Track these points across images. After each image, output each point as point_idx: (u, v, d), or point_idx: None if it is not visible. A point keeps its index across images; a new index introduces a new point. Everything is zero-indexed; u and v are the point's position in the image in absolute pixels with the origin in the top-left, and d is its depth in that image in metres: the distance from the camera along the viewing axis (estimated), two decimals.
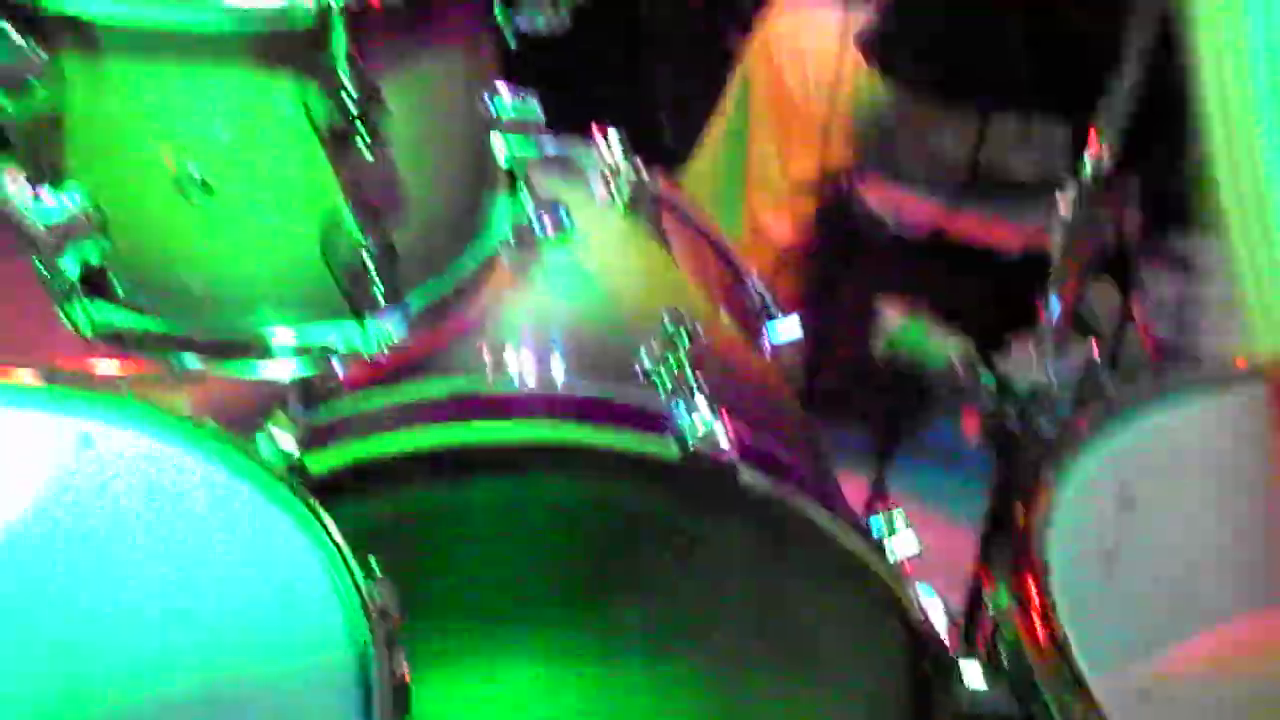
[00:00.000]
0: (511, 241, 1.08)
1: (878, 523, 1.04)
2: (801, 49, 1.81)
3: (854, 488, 1.72)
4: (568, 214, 1.16)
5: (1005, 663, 0.63)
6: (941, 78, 1.60)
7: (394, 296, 0.83)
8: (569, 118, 1.35)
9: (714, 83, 2.03)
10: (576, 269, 1.11)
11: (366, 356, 0.86)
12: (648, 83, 2.30)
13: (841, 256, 1.73)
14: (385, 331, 0.85)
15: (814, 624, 0.99)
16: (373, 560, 0.66)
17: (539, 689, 1.01)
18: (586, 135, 1.34)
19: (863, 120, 1.67)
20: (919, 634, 0.94)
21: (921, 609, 0.94)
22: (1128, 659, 0.90)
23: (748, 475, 0.89)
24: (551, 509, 0.94)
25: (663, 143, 2.20)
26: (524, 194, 0.96)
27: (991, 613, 0.66)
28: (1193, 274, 2.23)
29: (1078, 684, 0.56)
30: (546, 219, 1.15)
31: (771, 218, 1.84)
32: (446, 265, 0.89)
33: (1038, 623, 0.60)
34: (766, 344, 1.32)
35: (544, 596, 0.99)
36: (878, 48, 1.66)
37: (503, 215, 0.95)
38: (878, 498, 1.67)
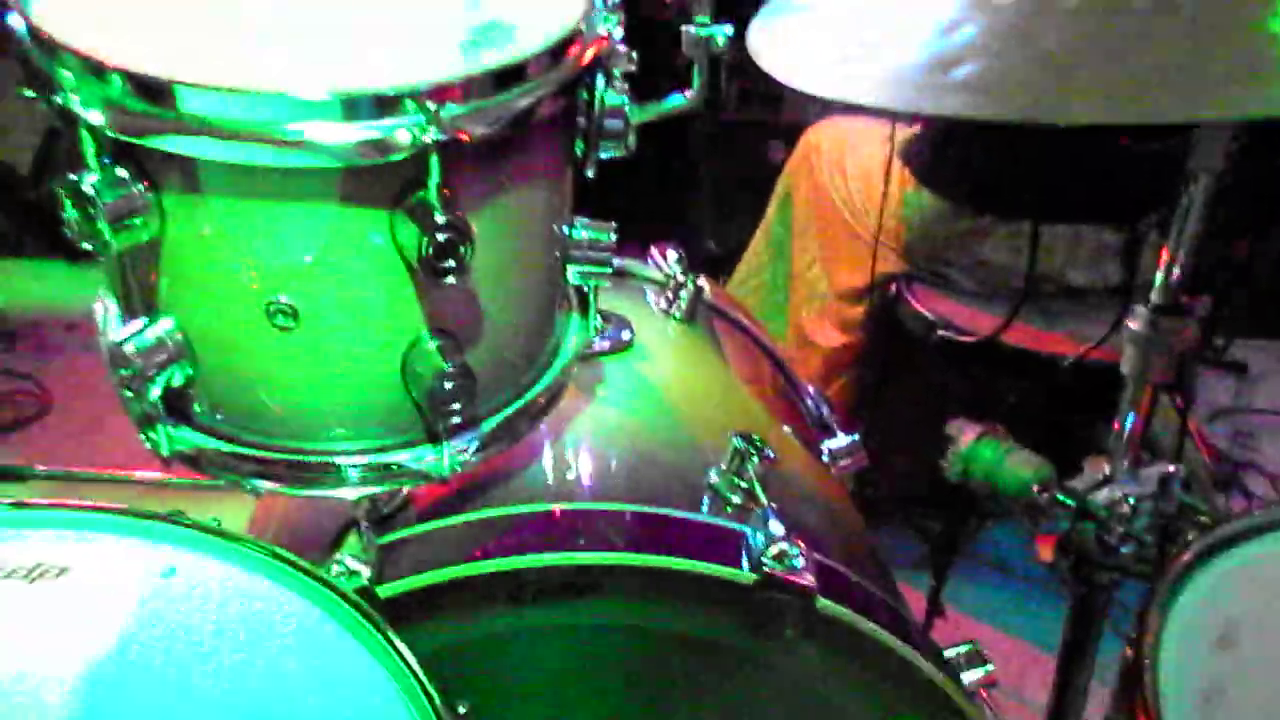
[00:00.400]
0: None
1: (954, 651, 1.01)
2: (844, 160, 1.84)
3: (909, 597, 1.69)
4: (630, 328, 1.17)
5: None
6: (989, 189, 1.62)
7: (470, 419, 0.83)
8: (620, 228, 1.37)
9: (757, 193, 2.06)
10: (639, 384, 1.11)
11: (438, 477, 0.86)
12: (693, 192, 2.35)
13: (890, 364, 1.73)
14: (458, 454, 0.84)
15: None
16: (458, 702, 0.65)
17: None
18: (641, 247, 1.35)
19: (910, 231, 1.68)
20: None
21: None
22: None
23: (824, 602, 0.87)
24: (621, 632, 0.92)
25: (706, 251, 2.23)
26: (594, 314, 0.97)
27: None
28: (1246, 379, 2.21)
29: None
30: (610, 333, 1.16)
31: (817, 326, 1.84)
32: (519, 386, 0.89)
33: None
34: (826, 457, 1.30)
35: (612, 718, 0.96)
36: (924, 160, 1.69)
37: (573, 335, 0.95)
38: (936, 612, 1.63)
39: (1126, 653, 0.66)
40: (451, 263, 0.72)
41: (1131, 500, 1.00)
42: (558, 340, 0.94)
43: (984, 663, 0.99)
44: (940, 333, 1.57)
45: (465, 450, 0.85)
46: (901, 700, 0.91)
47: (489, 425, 0.87)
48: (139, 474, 1.83)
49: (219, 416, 0.83)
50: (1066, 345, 1.55)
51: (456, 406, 0.80)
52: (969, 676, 0.98)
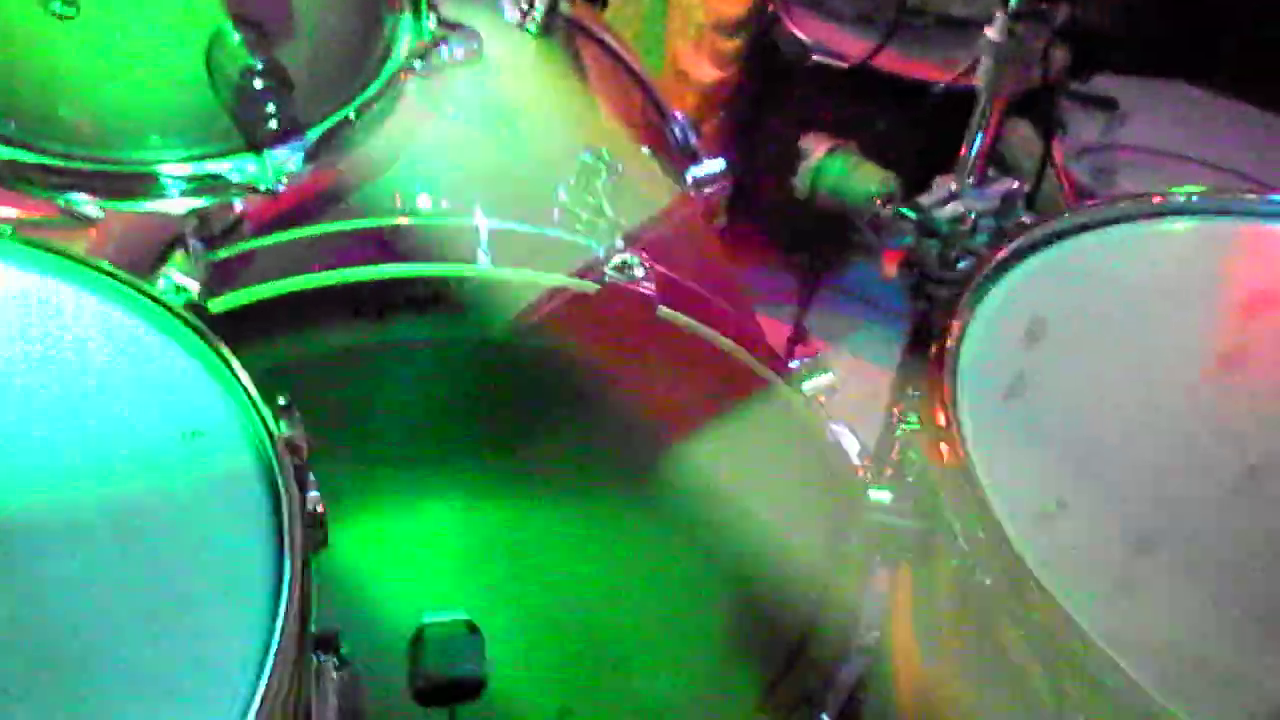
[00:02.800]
0: (418, 68, 1.03)
1: (797, 363, 1.05)
2: None
3: (775, 329, 1.74)
4: (478, 39, 1.10)
5: (912, 484, 0.64)
6: None
7: (290, 125, 0.78)
8: None
9: None
10: (489, 98, 1.06)
11: (265, 190, 0.82)
12: None
13: (766, 94, 1.69)
14: (282, 163, 0.80)
15: (732, 456, 1.00)
16: (280, 395, 0.64)
17: (460, 524, 1.02)
18: None
19: None
20: (832, 463, 0.96)
21: (835, 439, 0.96)
22: (1032, 482, 0.93)
23: (665, 310, 0.88)
24: (468, 345, 0.93)
25: None
26: (427, 16, 0.90)
27: (899, 435, 0.68)
28: (1114, 116, 2.24)
29: (979, 503, 0.58)
30: (456, 44, 1.09)
31: (693, 57, 1.77)
32: (345, 92, 0.84)
33: (943, 444, 0.61)
34: (690, 183, 1.29)
35: (464, 433, 0.98)
36: None
37: (405, 39, 0.89)
38: (798, 339, 1.69)
39: (932, 344, 0.68)
40: None
41: (973, 215, 1.02)
42: (387, 43, 0.88)
43: (824, 370, 1.04)
44: (815, 57, 1.53)
45: (290, 160, 0.81)
46: (743, 402, 0.95)
47: (315, 133, 0.82)
48: None
49: (12, 124, 0.77)
50: (939, 72, 1.52)
51: (271, 110, 0.75)
52: (810, 384, 1.03)
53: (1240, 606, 0.99)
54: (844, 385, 1.05)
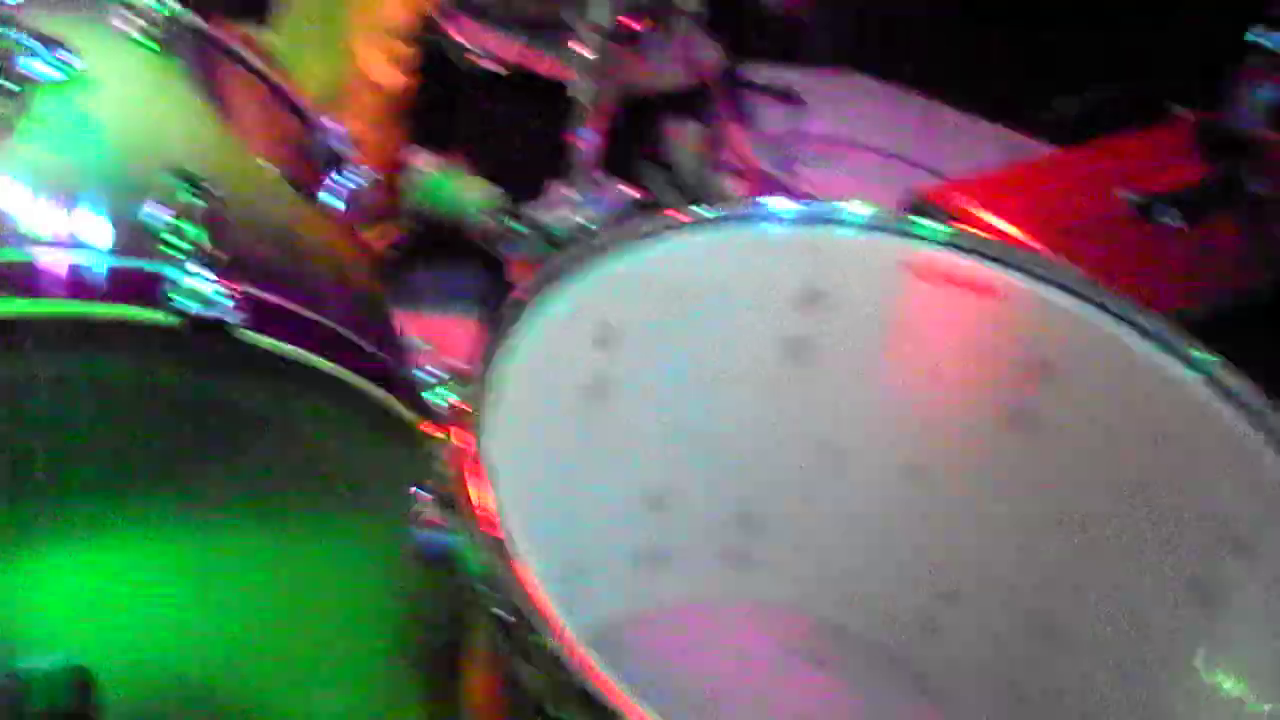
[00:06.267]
0: None
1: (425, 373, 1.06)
2: None
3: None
4: (73, 54, 1.04)
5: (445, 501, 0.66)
6: None
7: None
8: None
9: None
10: (78, 118, 1.01)
11: None
12: None
13: (442, 98, 1.69)
14: None
15: (360, 478, 0.99)
16: None
17: (73, 567, 0.97)
18: None
19: None
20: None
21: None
22: (632, 476, 0.99)
23: (251, 335, 0.86)
24: (46, 384, 0.88)
25: None
26: None
27: (430, 449, 0.70)
28: (799, 107, 2.39)
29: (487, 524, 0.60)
30: (45, 60, 1.03)
31: (375, 63, 1.75)
32: None
33: (459, 455, 0.64)
34: (338, 194, 1.27)
35: (67, 474, 0.93)
36: None
37: None
38: None
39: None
40: None
41: (583, 221, 1.06)
42: None
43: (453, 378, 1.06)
44: (471, 59, 1.54)
45: None
46: (354, 425, 0.95)
47: None
48: None
49: None
50: None
51: None
52: (436, 394, 1.04)
53: (833, 582, 1.09)
54: None
